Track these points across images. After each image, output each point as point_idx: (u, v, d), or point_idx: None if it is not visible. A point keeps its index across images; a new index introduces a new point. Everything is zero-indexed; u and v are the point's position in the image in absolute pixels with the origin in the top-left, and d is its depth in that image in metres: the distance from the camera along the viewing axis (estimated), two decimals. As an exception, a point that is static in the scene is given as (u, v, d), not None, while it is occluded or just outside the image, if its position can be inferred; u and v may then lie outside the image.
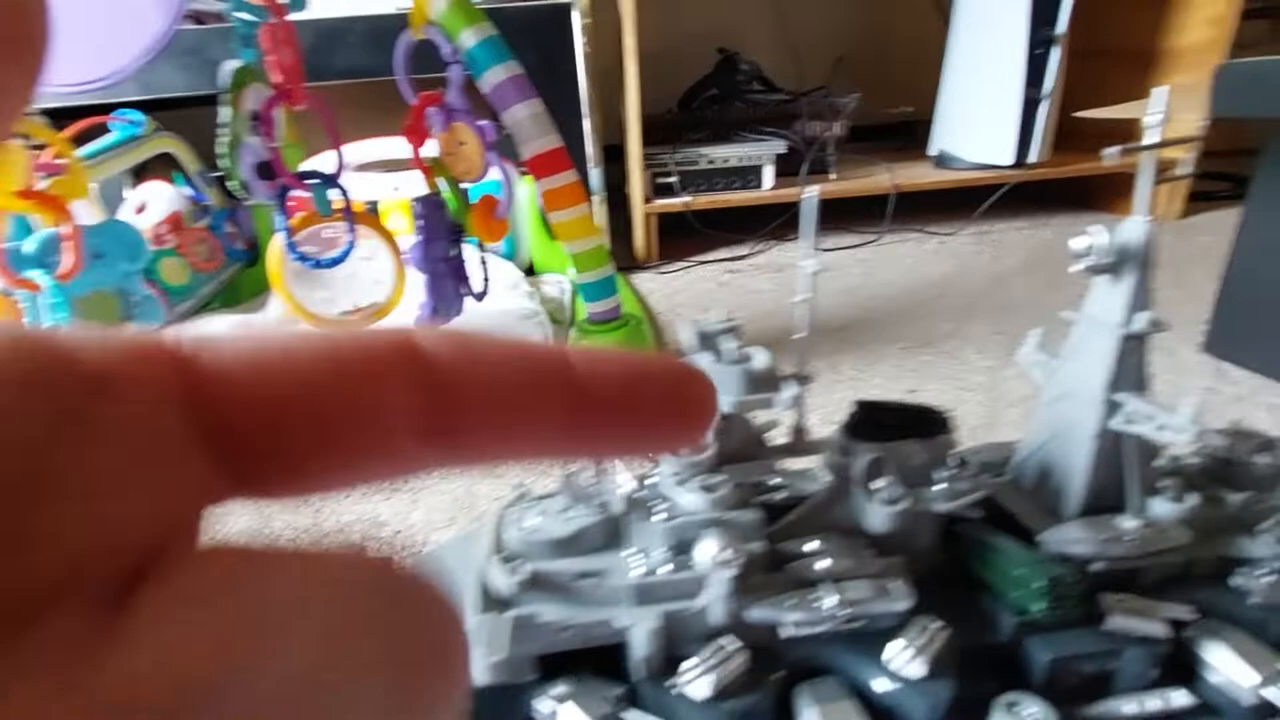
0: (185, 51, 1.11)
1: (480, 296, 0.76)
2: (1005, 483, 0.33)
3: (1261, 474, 0.32)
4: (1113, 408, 0.29)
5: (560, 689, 0.25)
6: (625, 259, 1.33)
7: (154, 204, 1.14)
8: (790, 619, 0.25)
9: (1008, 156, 1.30)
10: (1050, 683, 0.27)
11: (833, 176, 1.39)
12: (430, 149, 0.67)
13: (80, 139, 0.96)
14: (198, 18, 1.13)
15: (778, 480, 0.32)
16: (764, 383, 0.27)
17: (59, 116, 0.95)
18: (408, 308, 0.71)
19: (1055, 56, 1.21)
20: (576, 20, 1.16)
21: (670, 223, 1.35)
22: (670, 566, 0.26)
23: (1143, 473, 0.30)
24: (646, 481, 0.27)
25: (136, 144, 1.00)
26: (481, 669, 0.23)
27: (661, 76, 1.52)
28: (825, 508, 0.29)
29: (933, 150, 1.47)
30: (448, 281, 0.71)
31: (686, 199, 1.29)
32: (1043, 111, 1.25)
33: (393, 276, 0.71)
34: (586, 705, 0.24)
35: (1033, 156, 1.29)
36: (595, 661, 0.26)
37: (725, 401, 0.26)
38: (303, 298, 0.70)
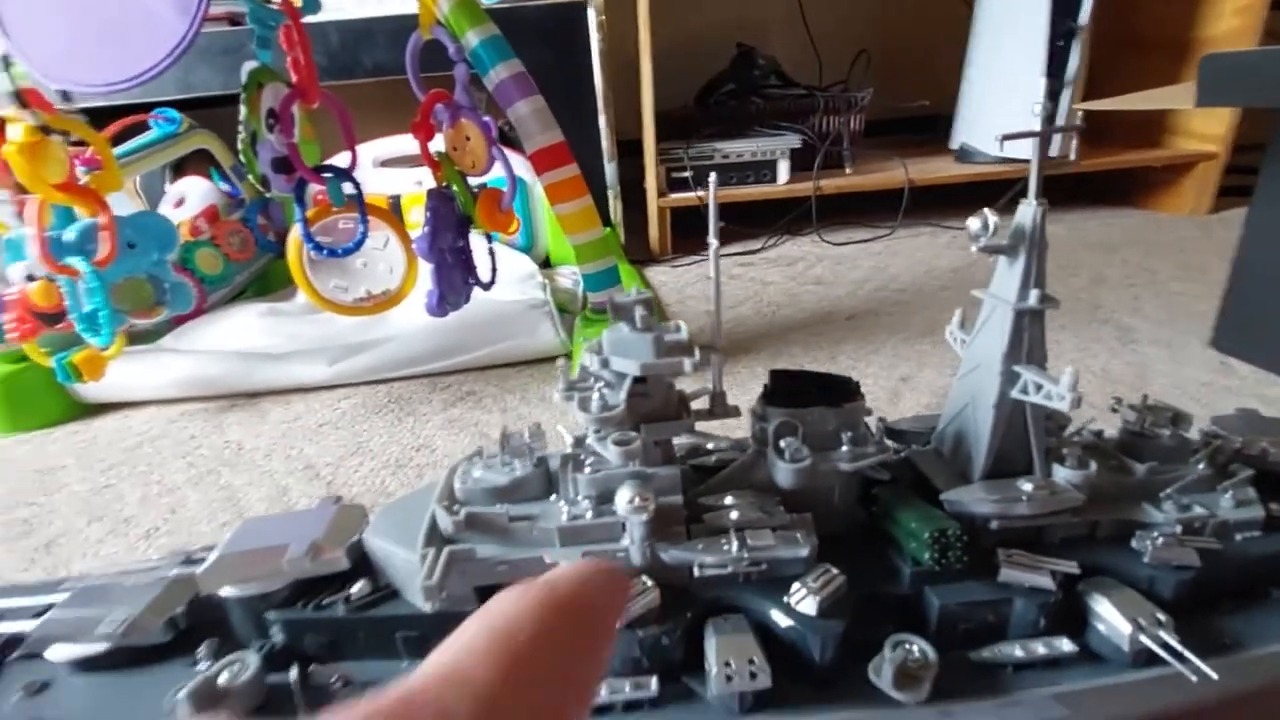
0: (220, 52, 1.17)
1: (487, 286, 0.79)
2: (927, 450, 0.35)
3: (1167, 445, 0.33)
4: (1011, 378, 0.31)
5: None
6: (640, 252, 1.35)
7: (191, 197, 1.20)
8: (699, 560, 0.28)
9: (1027, 150, 1.28)
10: (943, 628, 0.29)
11: (848, 171, 1.40)
12: (438, 144, 0.70)
13: (122, 136, 1.03)
14: (232, 19, 1.18)
15: (720, 445, 0.34)
16: (673, 350, 0.29)
17: (103, 115, 1.01)
18: (417, 295, 0.74)
19: (1077, 48, 1.19)
20: (592, 18, 1.19)
21: (685, 217, 1.37)
22: (592, 513, 0.28)
23: (1047, 440, 0.32)
24: (583, 439, 0.30)
25: (173, 141, 1.06)
26: (430, 599, 0.26)
27: (680, 72, 1.54)
28: (748, 468, 0.31)
29: (954, 144, 1.46)
30: (455, 272, 0.74)
31: (700, 193, 1.31)
32: (1064, 104, 1.24)
33: (404, 266, 0.75)
34: None
35: (1054, 150, 1.28)
36: None
37: (636, 365, 0.28)
38: (320, 285, 0.74)
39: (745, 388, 0.80)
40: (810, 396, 0.31)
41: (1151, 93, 0.68)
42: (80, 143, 0.70)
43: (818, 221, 1.37)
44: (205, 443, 0.76)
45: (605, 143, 1.26)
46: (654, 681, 0.27)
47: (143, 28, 0.60)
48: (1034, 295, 0.31)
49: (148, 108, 1.08)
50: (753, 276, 1.20)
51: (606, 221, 1.32)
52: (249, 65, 0.63)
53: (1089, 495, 0.31)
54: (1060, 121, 1.25)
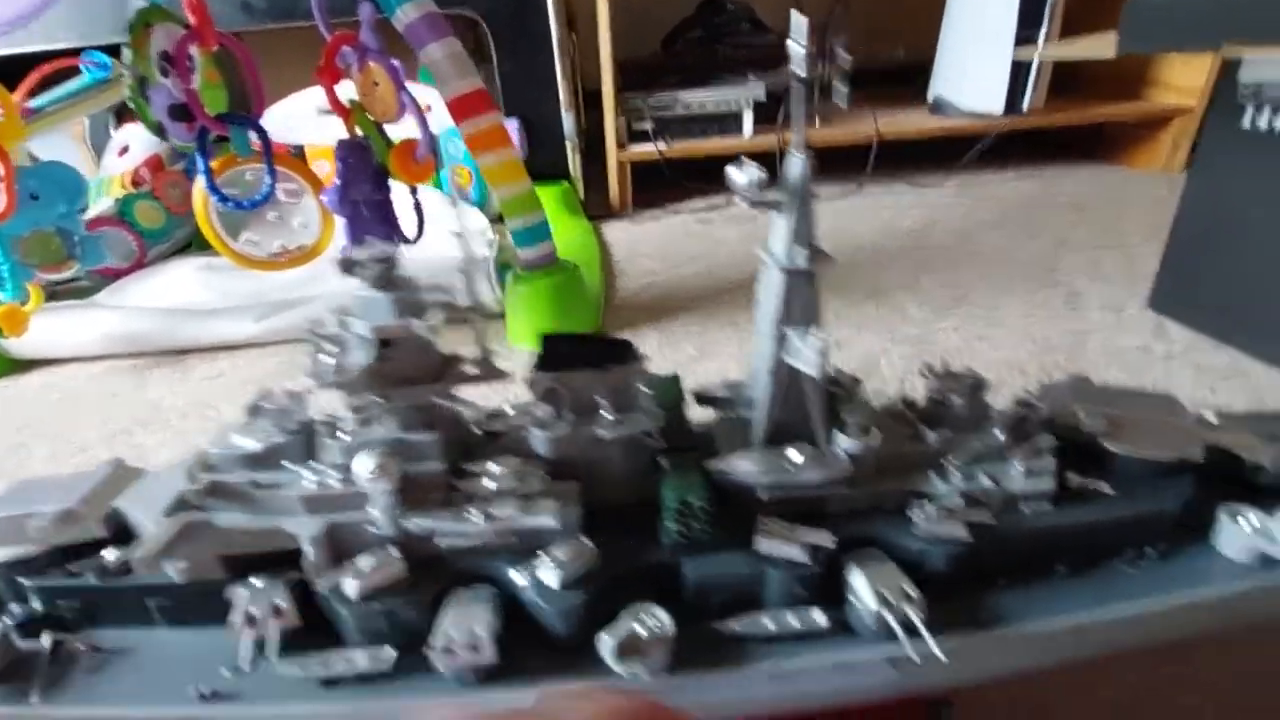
0: (153, -8, 1.11)
1: (412, 241, 0.77)
2: (732, 417, 0.33)
3: (961, 414, 0.32)
4: (783, 341, 0.29)
5: (243, 588, 0.27)
6: (599, 208, 1.32)
7: (135, 146, 1.17)
8: (443, 530, 0.27)
9: (998, 104, 1.24)
10: (697, 599, 0.28)
11: (816, 124, 1.35)
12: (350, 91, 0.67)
13: (52, 81, 0.99)
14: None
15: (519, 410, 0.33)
16: (414, 310, 0.27)
17: (28, 62, 0.97)
18: (334, 251, 0.72)
19: (1052, -5, 1.13)
20: (545, -42, 1.13)
21: (648, 172, 1.33)
22: (340, 481, 0.27)
23: (849, 408, 0.30)
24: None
25: (105, 87, 1.02)
26: (147, 569, 0.25)
27: (648, 16, 1.48)
28: (521, 436, 0.30)
29: (930, 97, 1.41)
30: (373, 226, 0.72)
31: (660, 146, 1.27)
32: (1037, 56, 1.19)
33: (319, 220, 0.73)
34: (261, 600, 0.26)
35: (1025, 104, 1.23)
36: (294, 567, 0.28)
37: (367, 327, 0.27)
38: (230, 239, 0.72)
39: (677, 348, 0.78)
40: (582, 361, 0.30)
41: (1077, 41, 0.65)
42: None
43: (785, 177, 1.32)
44: (125, 400, 0.75)
45: (562, 91, 1.21)
46: (390, 653, 0.26)
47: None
48: (801, 255, 0.29)
49: (79, 53, 1.04)
50: (709, 235, 1.17)
51: (565, 175, 1.28)
52: (136, 3, 0.60)
53: (873, 465, 0.30)
54: (1032, 72, 1.20)
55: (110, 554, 0.28)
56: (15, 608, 0.28)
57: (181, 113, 0.62)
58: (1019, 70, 1.20)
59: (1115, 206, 1.15)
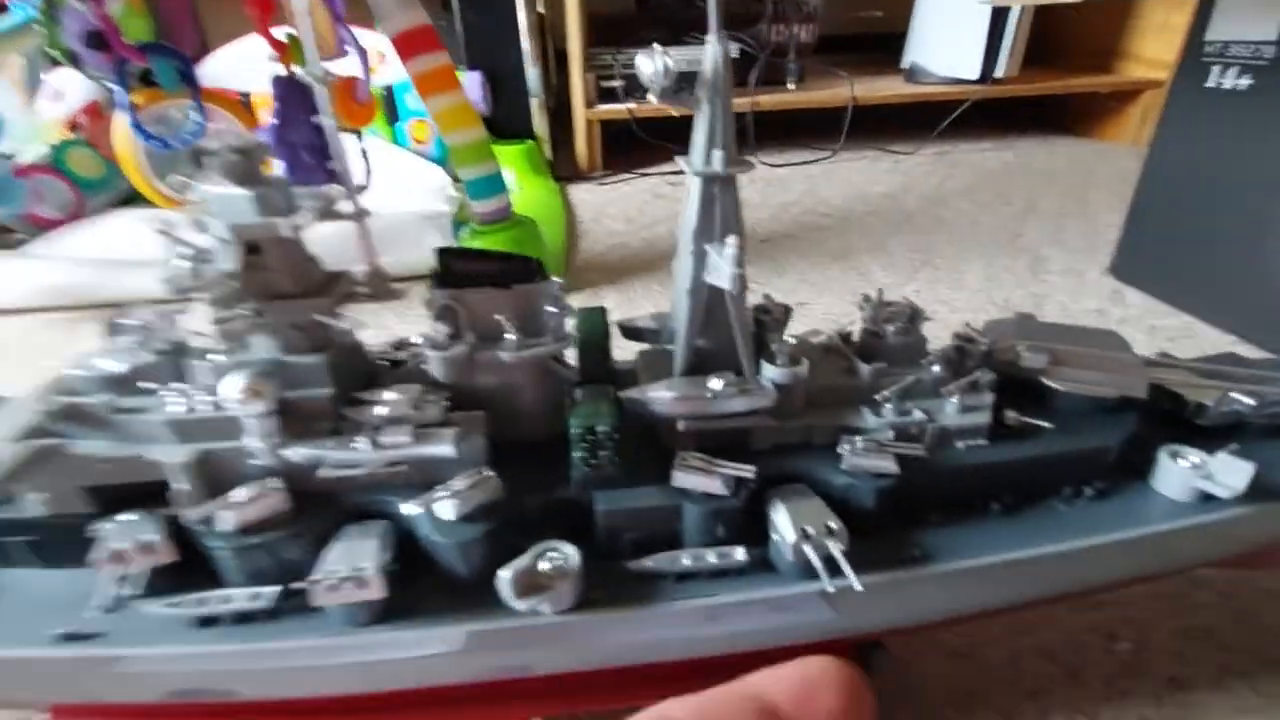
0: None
1: (359, 190, 0.73)
2: (658, 349, 0.31)
3: (896, 345, 0.30)
4: (703, 258, 0.27)
5: (113, 522, 0.24)
6: (567, 168, 1.28)
7: (70, 92, 1.10)
8: (327, 459, 0.25)
9: (973, 70, 1.22)
10: (611, 535, 0.26)
11: (791, 86, 1.32)
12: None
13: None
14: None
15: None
16: (281, 209, 0.25)
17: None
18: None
19: (1030, -43, 1.11)
20: (508, -100, 1.08)
21: (619, 132, 1.29)
22: (211, 405, 0.25)
23: (753, 334, 0.28)
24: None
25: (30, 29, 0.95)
26: (33, 502, 0.23)
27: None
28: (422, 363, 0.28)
29: (905, 63, 1.39)
30: (315, 172, 0.68)
31: (630, 105, 1.23)
32: (1012, 22, 1.17)
33: (256, 163, 0.69)
34: (127, 535, 0.24)
35: (1000, 71, 1.21)
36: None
37: (225, 227, 0.24)
38: (160, 182, 0.68)
39: (635, 307, 0.76)
40: (485, 279, 0.28)
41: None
42: None
43: (760, 140, 1.30)
44: (54, 354, 0.71)
45: (525, 44, 1.17)
46: (272, 591, 0.24)
47: None
48: (718, 157, 0.27)
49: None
50: (678, 197, 1.14)
51: (530, 134, 1.24)
52: (45, -83, 0.55)
53: (802, 397, 0.28)
54: (1008, 39, 1.19)
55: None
56: None
57: (97, 40, 0.58)
58: (994, 37, 1.18)
59: (1083, 177, 1.14)
